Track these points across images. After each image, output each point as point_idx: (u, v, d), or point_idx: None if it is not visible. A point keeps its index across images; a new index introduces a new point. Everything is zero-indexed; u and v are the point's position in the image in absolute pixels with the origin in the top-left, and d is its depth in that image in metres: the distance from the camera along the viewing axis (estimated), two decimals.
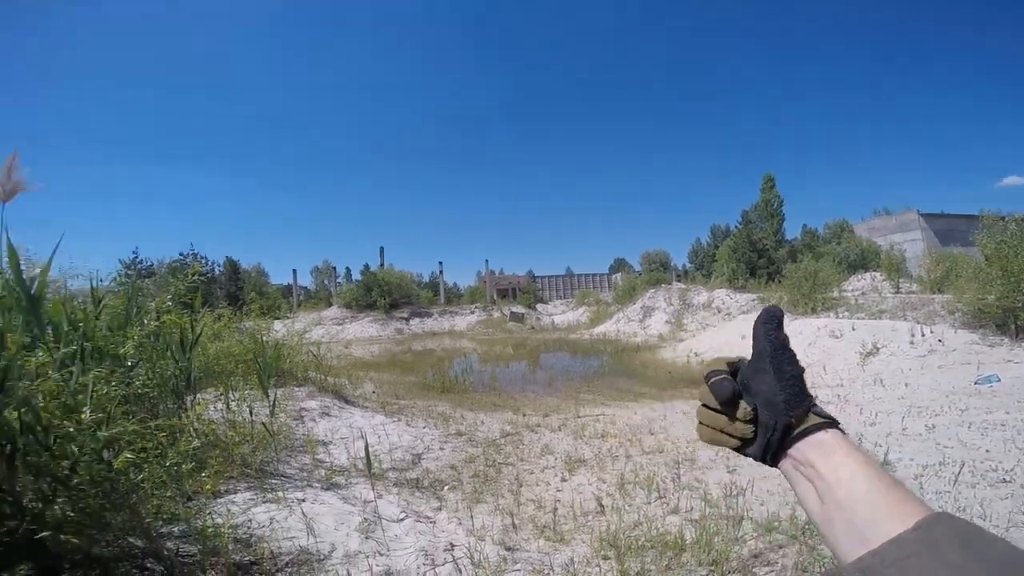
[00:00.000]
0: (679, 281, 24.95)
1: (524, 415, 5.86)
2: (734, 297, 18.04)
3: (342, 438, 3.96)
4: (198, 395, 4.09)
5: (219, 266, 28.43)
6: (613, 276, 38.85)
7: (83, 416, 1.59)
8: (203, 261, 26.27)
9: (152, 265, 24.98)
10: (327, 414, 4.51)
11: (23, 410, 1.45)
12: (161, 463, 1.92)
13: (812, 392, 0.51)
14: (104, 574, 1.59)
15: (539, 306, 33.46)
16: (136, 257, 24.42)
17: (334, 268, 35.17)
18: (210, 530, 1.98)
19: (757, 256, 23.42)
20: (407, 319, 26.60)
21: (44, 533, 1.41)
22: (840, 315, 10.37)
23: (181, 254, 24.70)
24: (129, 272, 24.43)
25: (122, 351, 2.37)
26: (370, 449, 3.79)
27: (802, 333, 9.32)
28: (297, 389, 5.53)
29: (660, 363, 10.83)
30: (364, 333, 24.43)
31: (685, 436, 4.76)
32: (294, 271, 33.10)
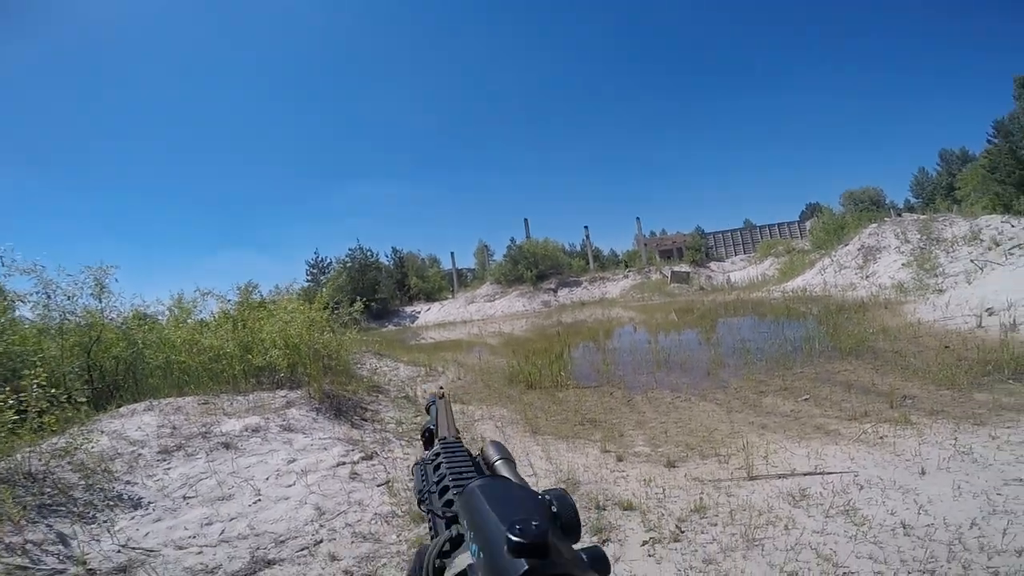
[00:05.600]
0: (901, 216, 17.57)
1: (619, 459, 3.04)
2: (1020, 223, 11.21)
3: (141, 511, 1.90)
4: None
5: (388, 257, 30.60)
6: (805, 224, 29.79)
7: None
8: (369, 253, 28.39)
9: (331, 263, 27.90)
10: (229, 445, 2.55)
11: None
12: None
13: None
14: None
15: (712, 264, 28.11)
16: (317, 256, 27.62)
17: (486, 247, 35.36)
18: None
19: None
20: (554, 290, 24.62)
21: None
22: None
23: (350, 249, 27.08)
24: (313, 270, 27.95)
25: None
26: (188, 541, 1.65)
27: None
28: (282, 393, 3.76)
29: (918, 330, 6.44)
30: (511, 308, 23.33)
31: None
32: (452, 254, 34.24)
